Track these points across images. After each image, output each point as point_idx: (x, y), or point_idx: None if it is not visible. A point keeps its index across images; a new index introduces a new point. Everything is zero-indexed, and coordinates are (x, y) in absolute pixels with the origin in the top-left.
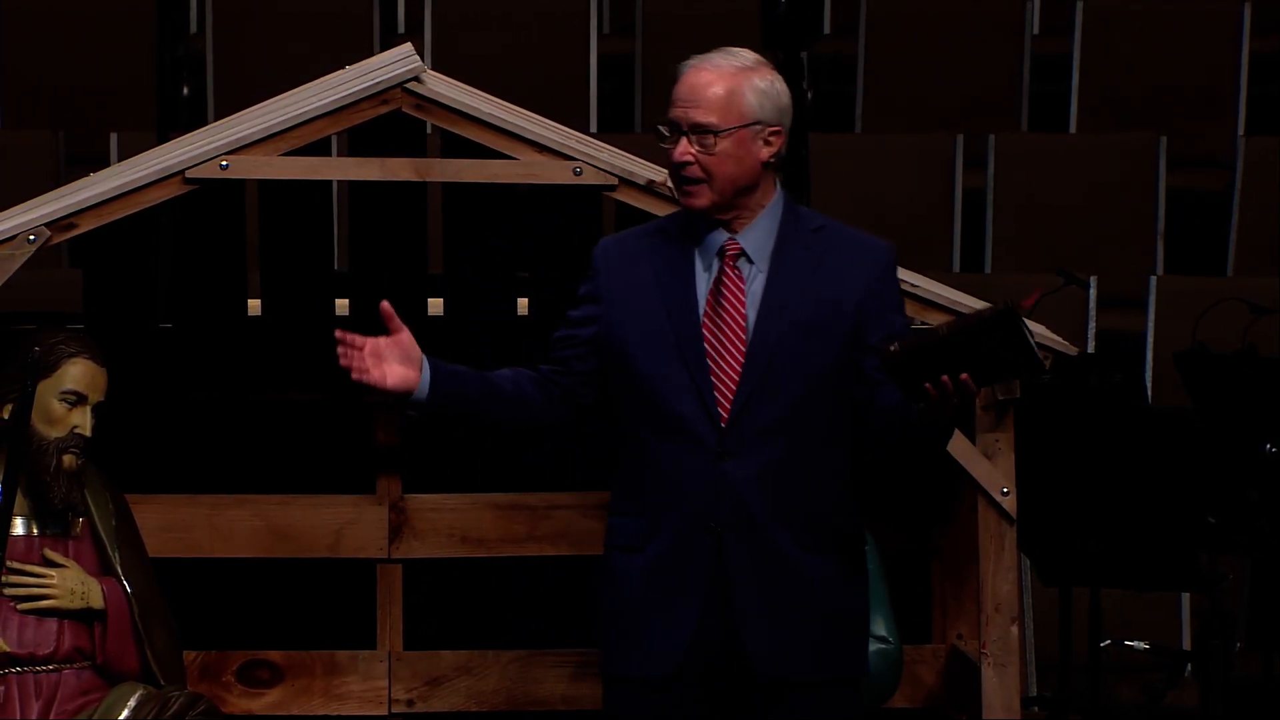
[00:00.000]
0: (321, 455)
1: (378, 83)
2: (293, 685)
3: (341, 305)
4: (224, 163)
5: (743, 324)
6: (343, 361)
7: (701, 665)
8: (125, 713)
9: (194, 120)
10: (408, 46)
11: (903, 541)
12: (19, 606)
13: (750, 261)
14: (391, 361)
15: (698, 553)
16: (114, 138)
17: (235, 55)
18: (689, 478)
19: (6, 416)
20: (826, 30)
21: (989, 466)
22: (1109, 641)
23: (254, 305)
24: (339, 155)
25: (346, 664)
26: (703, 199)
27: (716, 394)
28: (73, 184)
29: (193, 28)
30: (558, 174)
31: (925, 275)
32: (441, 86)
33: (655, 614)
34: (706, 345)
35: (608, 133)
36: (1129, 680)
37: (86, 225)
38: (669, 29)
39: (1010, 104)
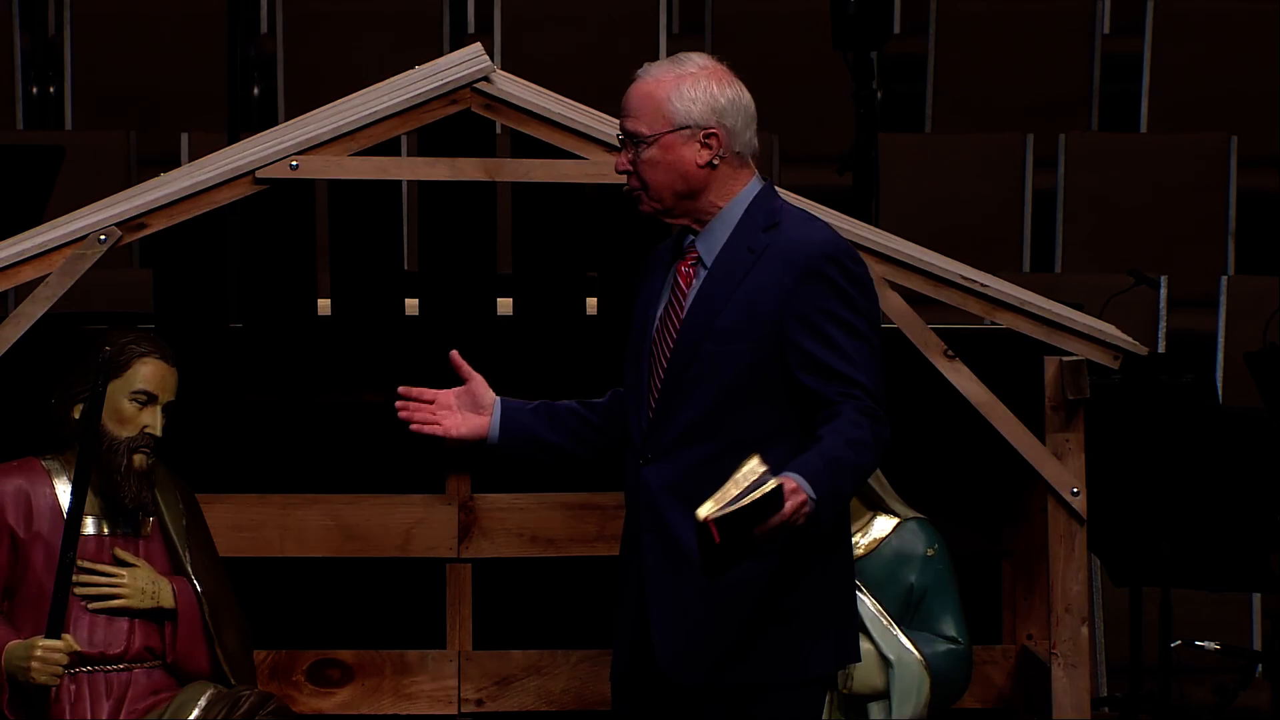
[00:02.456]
0: (391, 455)
1: (447, 83)
2: (362, 685)
3: (411, 305)
4: (294, 163)
5: (677, 329)
6: (401, 414)
7: (645, 671)
8: (195, 712)
9: (264, 120)
10: (477, 46)
11: (973, 542)
12: (90, 606)
13: (704, 265)
14: (463, 409)
15: (633, 559)
16: (185, 138)
17: (305, 55)
18: (629, 484)
19: (77, 416)
20: (896, 30)
21: (1059, 467)
22: (1180, 642)
23: (324, 305)
24: (408, 155)
25: (416, 663)
26: (645, 205)
27: (650, 400)
28: (143, 184)
29: (263, 28)
30: None
31: (995, 275)
32: (511, 86)
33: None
34: (653, 348)
35: None
36: (1200, 681)
37: (157, 225)
38: (738, 28)
39: (1080, 103)
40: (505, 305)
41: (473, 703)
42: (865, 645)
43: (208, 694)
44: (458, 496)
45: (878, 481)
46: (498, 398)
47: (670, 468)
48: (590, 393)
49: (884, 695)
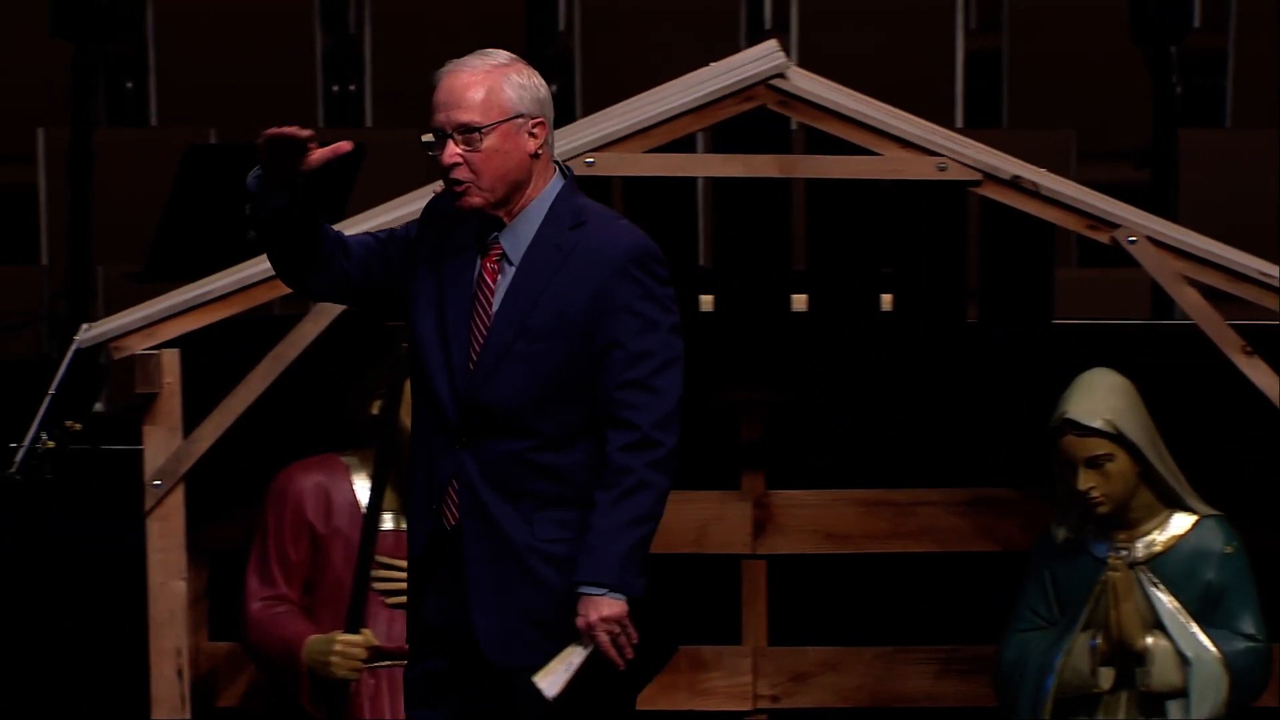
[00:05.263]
0: (686, 451)
1: (742, 79)
2: (659, 680)
3: (706, 301)
4: (589, 159)
5: (487, 324)
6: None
7: (456, 655)
8: None
9: (562, 117)
10: (772, 43)
11: (1272, 539)
12: (388, 601)
13: (510, 262)
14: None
15: (443, 540)
16: None
17: (602, 53)
18: (433, 456)
19: (376, 413)
20: (1196, 24)
21: None
22: None
23: None
24: (703, 152)
25: (711, 660)
26: (474, 198)
27: (461, 384)
28: (438, 182)
29: (561, 26)
30: (922, 169)
31: None
32: (806, 83)
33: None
34: (465, 335)
35: (974, 128)
36: None
37: None
38: (1036, 23)
39: None
40: (800, 301)
41: (768, 699)
42: (1163, 643)
43: None
44: (752, 493)
45: (1175, 478)
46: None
47: (487, 456)
48: (893, 397)
49: (1182, 693)
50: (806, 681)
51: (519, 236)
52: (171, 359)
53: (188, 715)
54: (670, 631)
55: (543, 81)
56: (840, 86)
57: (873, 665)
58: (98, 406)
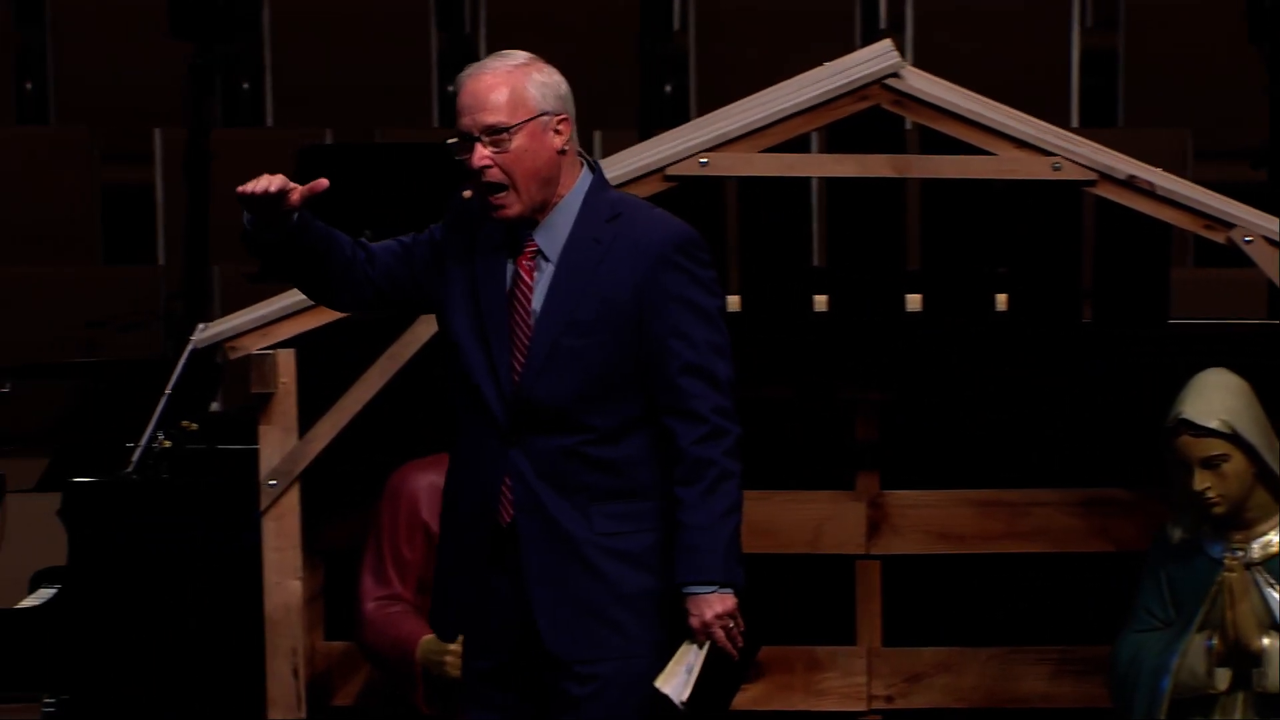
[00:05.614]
0: (799, 451)
1: (856, 79)
2: (773, 681)
3: (820, 301)
4: (703, 160)
5: (529, 322)
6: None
7: (515, 653)
8: None
9: (676, 117)
10: (887, 43)
11: None
12: None
13: (546, 259)
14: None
15: (498, 538)
16: (597, 135)
17: (717, 52)
18: (481, 455)
19: None
20: None
21: None
22: None
23: (733, 301)
24: (817, 152)
25: (826, 660)
26: (513, 208)
27: (509, 383)
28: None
29: (676, 25)
30: (1037, 169)
31: None
32: (920, 82)
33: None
34: (505, 334)
35: (1089, 128)
36: None
37: None
38: (1153, 21)
39: None
40: (914, 301)
41: (882, 699)
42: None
43: None
44: (867, 493)
45: None
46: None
47: (540, 453)
48: (1007, 397)
49: None
50: (921, 682)
51: (554, 233)
52: (287, 359)
53: (303, 714)
54: (758, 617)
55: (563, 78)
56: (955, 86)
57: (987, 666)
58: (214, 406)
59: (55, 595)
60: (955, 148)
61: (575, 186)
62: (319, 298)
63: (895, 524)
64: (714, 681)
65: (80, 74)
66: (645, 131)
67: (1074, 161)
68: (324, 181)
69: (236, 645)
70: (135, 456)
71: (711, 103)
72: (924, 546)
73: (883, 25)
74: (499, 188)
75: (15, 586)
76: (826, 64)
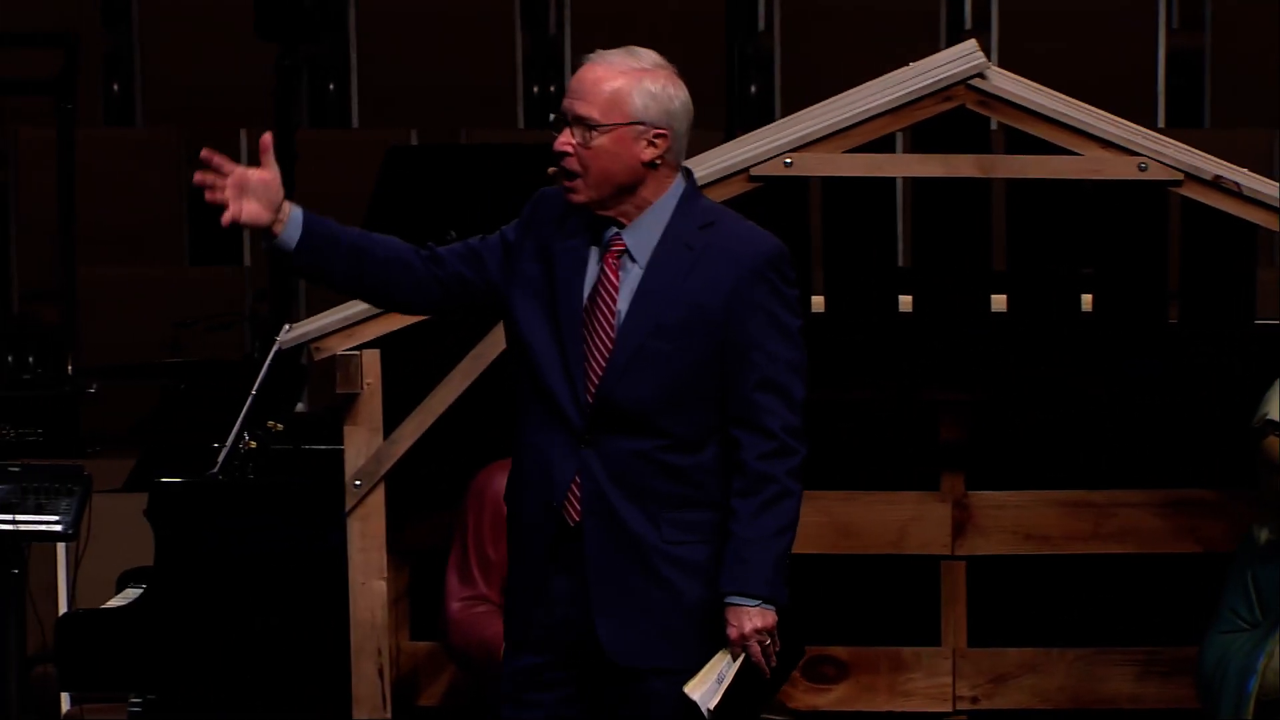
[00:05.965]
0: (884, 452)
1: (941, 79)
2: (858, 681)
3: (905, 302)
4: (788, 160)
5: (612, 321)
6: (197, 178)
7: (563, 654)
8: None
9: (760, 117)
10: (971, 43)
11: None
12: None
13: (633, 259)
14: (251, 199)
15: (564, 539)
16: None
17: (802, 53)
18: (551, 454)
19: None
20: None
21: None
22: None
23: (817, 302)
24: (902, 152)
25: (911, 660)
26: (580, 194)
27: (587, 383)
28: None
29: (761, 25)
30: (1122, 169)
31: None
32: (1005, 83)
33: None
34: (584, 333)
35: (1175, 128)
36: None
37: None
38: (1239, 22)
39: None
40: (999, 302)
41: (967, 700)
42: None
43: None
44: (952, 494)
45: None
46: (293, 205)
47: (613, 455)
48: (1093, 397)
49: None
50: (1006, 683)
51: (644, 235)
52: (372, 359)
53: (388, 714)
54: (799, 634)
55: (681, 91)
56: (1040, 86)
57: (1073, 667)
58: (299, 407)
59: (142, 595)
60: (1040, 148)
61: (667, 194)
62: (373, 299)
63: (980, 525)
64: (742, 695)
65: (167, 76)
66: (730, 132)
67: (1160, 162)
68: (267, 137)
69: (322, 645)
70: (221, 457)
71: (796, 103)
72: (1009, 547)
73: (968, 26)
74: (572, 174)
75: (102, 586)
76: (912, 64)
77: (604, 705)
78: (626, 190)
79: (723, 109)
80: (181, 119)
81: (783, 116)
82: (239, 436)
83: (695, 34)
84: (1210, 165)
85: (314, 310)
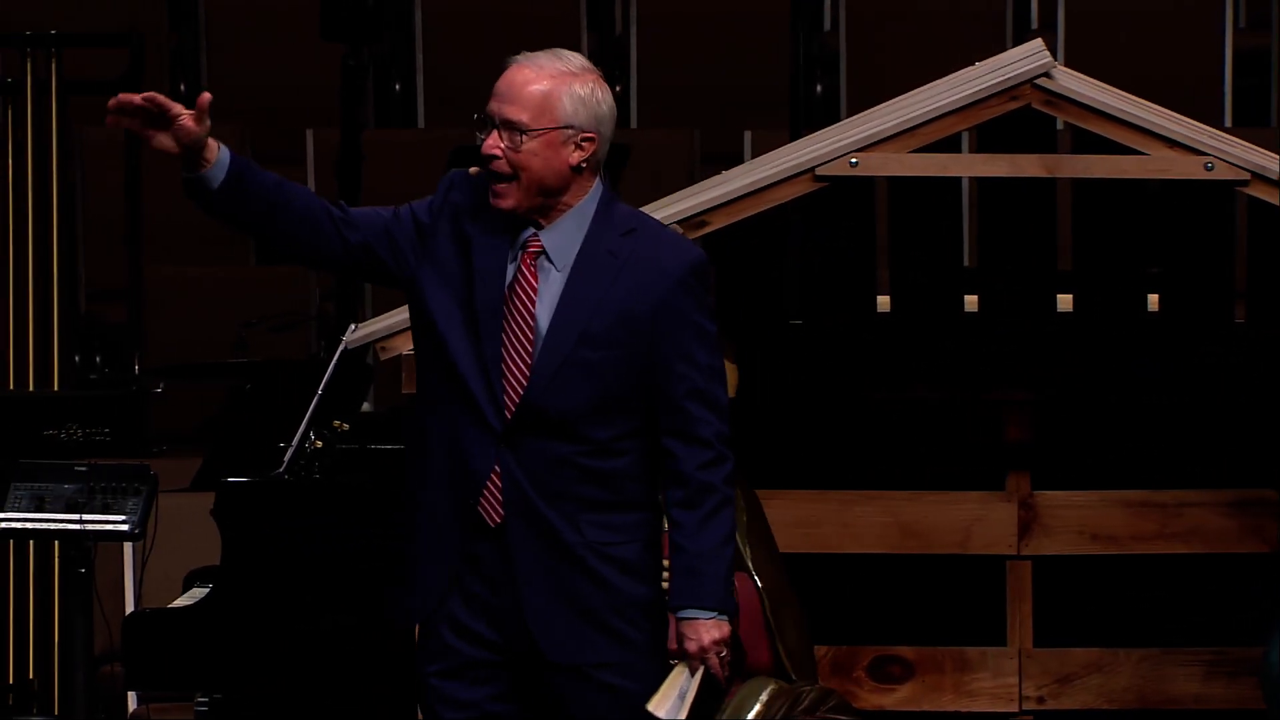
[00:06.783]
0: (949, 452)
1: (1007, 79)
2: (923, 681)
3: (971, 302)
4: (853, 160)
5: (531, 325)
6: (113, 102)
7: (489, 651)
8: (757, 707)
9: (826, 117)
10: (1038, 42)
11: None
12: None
13: (550, 262)
14: (166, 135)
15: (484, 537)
16: (747, 136)
17: (867, 52)
18: (468, 449)
19: None
20: None
21: None
22: None
23: (883, 302)
24: (968, 152)
25: (976, 660)
26: (509, 200)
27: (506, 386)
28: (706, 182)
29: (826, 25)
30: (1189, 169)
31: None
32: (1072, 82)
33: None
34: (501, 332)
35: (1242, 127)
36: None
37: (717, 223)
38: None
39: None
40: (1065, 302)
41: (1034, 700)
42: None
43: (769, 689)
44: (1017, 493)
45: None
46: (223, 147)
47: (532, 457)
48: (1159, 397)
49: None
50: (1072, 683)
51: (562, 239)
52: None
53: None
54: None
55: (608, 95)
56: (1106, 86)
57: (1139, 667)
58: (365, 406)
59: (208, 595)
60: (1107, 147)
61: (588, 196)
62: (277, 249)
63: (1046, 524)
64: (700, 707)
65: (233, 75)
66: (795, 131)
67: (1227, 161)
68: (206, 96)
69: (388, 645)
70: (287, 456)
71: (862, 102)
72: (1075, 547)
73: (1034, 25)
74: (501, 177)
75: (169, 586)
76: (977, 63)
77: (548, 702)
78: (550, 194)
79: (787, 109)
80: (247, 119)
81: (848, 116)
82: (305, 436)
83: (760, 34)
84: (1277, 164)
85: (379, 310)
